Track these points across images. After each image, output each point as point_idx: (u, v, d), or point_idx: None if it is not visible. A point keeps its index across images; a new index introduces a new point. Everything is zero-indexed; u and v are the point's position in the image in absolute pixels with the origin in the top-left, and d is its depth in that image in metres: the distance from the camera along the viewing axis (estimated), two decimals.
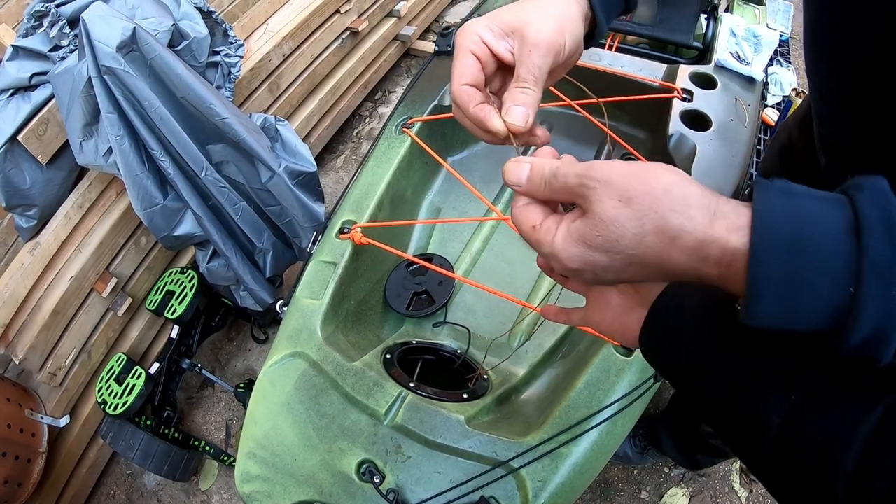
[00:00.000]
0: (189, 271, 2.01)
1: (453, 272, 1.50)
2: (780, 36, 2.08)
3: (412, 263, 1.51)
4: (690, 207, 0.38)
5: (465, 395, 1.21)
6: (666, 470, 1.90)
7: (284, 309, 1.34)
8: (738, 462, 1.88)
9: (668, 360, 0.51)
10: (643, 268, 0.40)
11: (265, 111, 2.25)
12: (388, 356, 1.28)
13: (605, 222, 0.40)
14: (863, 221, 0.34)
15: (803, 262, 0.34)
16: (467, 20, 1.92)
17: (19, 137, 1.54)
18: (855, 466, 0.35)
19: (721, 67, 1.62)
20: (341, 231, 1.39)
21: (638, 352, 1.12)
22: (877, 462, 0.35)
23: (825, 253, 0.34)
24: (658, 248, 0.39)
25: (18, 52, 1.55)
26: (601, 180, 0.40)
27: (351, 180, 1.54)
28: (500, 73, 0.57)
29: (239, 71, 1.94)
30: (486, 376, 1.31)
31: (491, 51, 0.54)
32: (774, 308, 0.35)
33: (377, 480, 1.05)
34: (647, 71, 1.65)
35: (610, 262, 0.41)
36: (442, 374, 1.34)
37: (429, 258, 1.53)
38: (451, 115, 1.65)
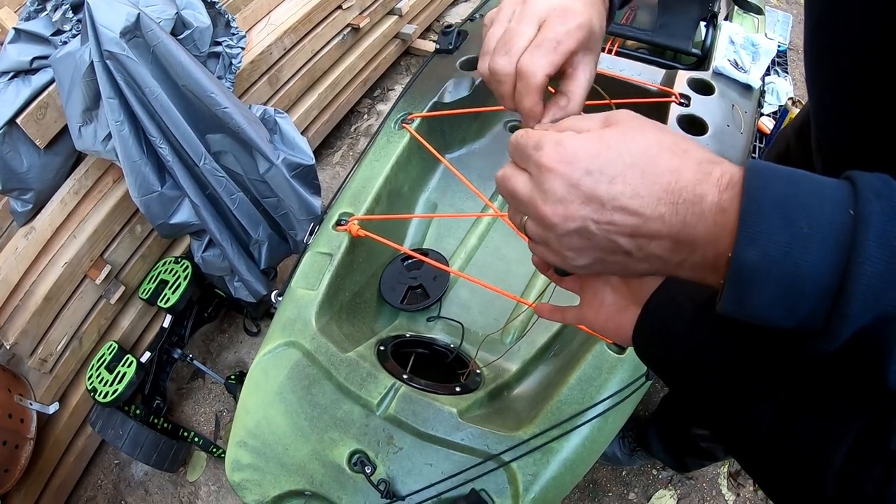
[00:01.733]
0: (183, 261, 2.01)
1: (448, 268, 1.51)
2: (779, 46, 2.11)
3: (407, 258, 1.52)
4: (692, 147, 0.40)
5: (457, 389, 1.21)
6: (654, 472, 1.91)
7: (279, 299, 1.34)
8: (726, 466, 1.89)
9: (662, 359, 0.52)
10: (649, 180, 0.37)
11: (264, 104, 2.25)
12: (381, 348, 1.29)
13: (632, 121, 0.40)
14: (856, 178, 0.34)
15: (800, 188, 0.34)
16: (468, 20, 1.93)
17: (18, 121, 1.53)
18: (844, 465, 0.36)
19: (719, 74, 1.64)
20: (338, 223, 1.39)
21: (630, 349, 1.14)
22: (865, 463, 0.35)
23: (821, 184, 0.34)
24: (670, 157, 0.38)
25: (20, 35, 1.55)
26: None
27: (349, 173, 1.54)
28: None
29: (240, 62, 1.94)
30: (478, 371, 1.32)
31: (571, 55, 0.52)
32: (774, 225, 0.33)
33: (368, 471, 1.06)
34: (646, 75, 1.67)
35: (616, 169, 0.38)
36: (435, 368, 1.35)
37: (424, 253, 1.54)
38: (450, 112, 1.66)
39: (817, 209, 0.33)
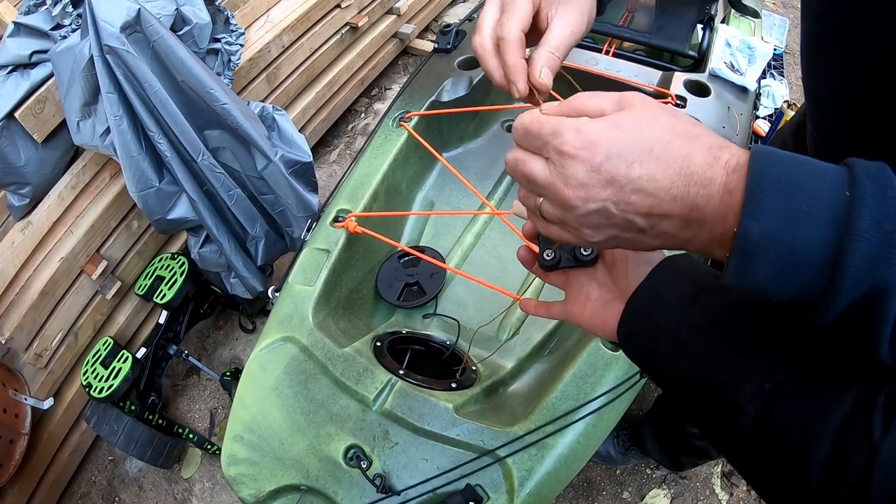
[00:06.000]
0: (180, 257, 2.01)
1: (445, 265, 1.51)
2: (775, 49, 2.12)
3: (404, 255, 1.52)
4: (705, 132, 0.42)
5: (453, 385, 1.22)
6: (648, 471, 1.92)
7: (276, 295, 1.35)
8: (720, 465, 1.90)
9: (647, 353, 0.53)
10: (664, 164, 0.39)
11: (262, 101, 2.25)
12: (378, 344, 1.29)
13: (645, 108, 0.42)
14: (853, 163, 0.37)
15: (800, 171, 0.37)
16: (466, 20, 1.94)
17: (16, 114, 1.53)
18: (827, 454, 0.37)
19: (715, 76, 1.65)
20: (336, 219, 1.40)
21: None
22: (849, 450, 0.36)
23: (821, 168, 0.37)
24: (682, 143, 0.40)
25: (20, 28, 1.55)
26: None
27: (347, 170, 1.55)
28: None
29: (239, 59, 1.95)
30: (474, 367, 1.33)
31: (536, 9, 0.56)
32: (775, 202, 0.36)
33: (364, 466, 1.06)
34: (643, 76, 1.68)
35: (633, 154, 0.40)
36: (430, 365, 1.35)
37: (421, 250, 1.54)
38: (447, 110, 1.66)
39: (816, 190, 0.36)
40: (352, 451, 1.10)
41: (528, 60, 0.54)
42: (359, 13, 2.73)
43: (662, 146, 0.39)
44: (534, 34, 0.56)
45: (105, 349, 1.89)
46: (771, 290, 0.38)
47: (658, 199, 0.39)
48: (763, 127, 2.22)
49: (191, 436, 2.04)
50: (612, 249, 0.57)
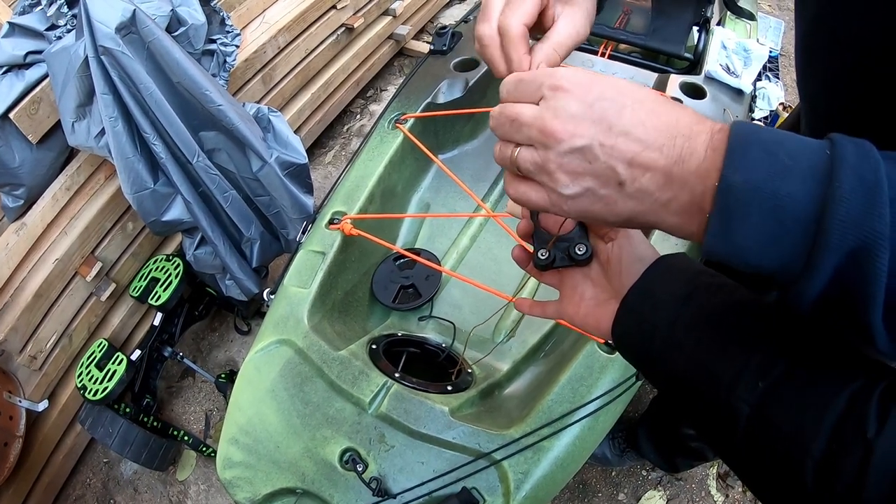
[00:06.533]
0: (175, 259, 2.00)
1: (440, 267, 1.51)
2: (770, 52, 2.12)
3: (400, 257, 1.52)
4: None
5: (449, 388, 1.22)
6: (644, 473, 1.92)
7: (272, 297, 1.34)
8: (716, 467, 1.90)
9: (641, 352, 0.52)
10: (654, 116, 0.41)
11: (258, 102, 2.25)
12: (373, 347, 1.29)
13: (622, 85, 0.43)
14: (834, 135, 0.37)
15: (781, 136, 0.37)
16: (462, 22, 1.94)
17: (11, 115, 1.53)
18: (822, 453, 0.37)
19: (711, 79, 1.65)
20: (331, 222, 1.40)
21: None
22: (843, 448, 0.36)
23: (801, 137, 0.38)
24: (671, 106, 0.41)
25: (14, 29, 1.55)
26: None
27: (342, 172, 1.55)
28: None
29: (234, 60, 1.94)
30: (470, 370, 1.33)
31: (544, 6, 0.55)
32: (758, 156, 0.36)
33: (360, 469, 1.06)
34: (639, 79, 1.69)
35: (624, 113, 0.41)
36: (426, 367, 1.35)
37: (416, 252, 1.54)
38: (443, 112, 1.66)
39: (797, 149, 0.36)
40: (347, 455, 1.09)
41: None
42: (355, 14, 2.72)
43: (652, 101, 0.41)
44: (537, 31, 0.56)
45: (99, 351, 1.88)
46: (752, 257, 0.37)
47: (644, 145, 0.40)
48: None
49: (186, 438, 2.03)
50: (605, 248, 0.57)
